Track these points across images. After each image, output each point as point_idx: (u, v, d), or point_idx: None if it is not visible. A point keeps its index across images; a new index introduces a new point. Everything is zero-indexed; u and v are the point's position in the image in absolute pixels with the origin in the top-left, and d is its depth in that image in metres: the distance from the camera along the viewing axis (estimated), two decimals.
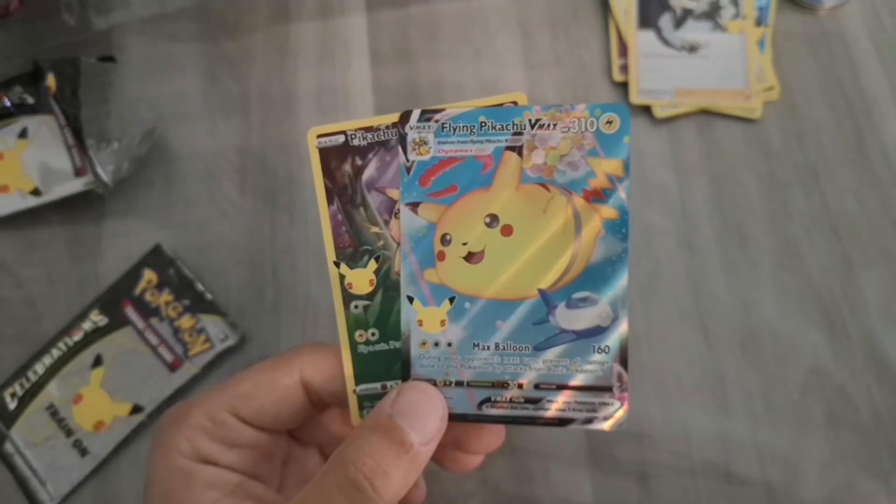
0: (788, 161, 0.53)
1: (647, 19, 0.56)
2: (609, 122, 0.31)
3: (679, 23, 0.56)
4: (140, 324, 0.50)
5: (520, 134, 0.32)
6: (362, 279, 0.33)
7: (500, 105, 0.32)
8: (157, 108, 0.56)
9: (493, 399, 0.32)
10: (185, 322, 0.50)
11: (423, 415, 0.30)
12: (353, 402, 0.33)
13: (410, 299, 0.32)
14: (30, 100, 0.53)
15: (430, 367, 0.32)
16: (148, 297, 0.50)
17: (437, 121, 0.32)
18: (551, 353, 0.31)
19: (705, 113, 0.54)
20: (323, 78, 0.56)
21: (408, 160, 0.32)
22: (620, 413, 0.31)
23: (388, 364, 0.33)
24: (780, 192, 0.52)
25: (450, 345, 0.32)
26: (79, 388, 0.49)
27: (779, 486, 0.46)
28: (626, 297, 0.31)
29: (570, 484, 0.47)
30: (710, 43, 0.55)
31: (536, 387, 0.32)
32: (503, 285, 0.32)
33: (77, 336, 0.50)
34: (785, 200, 0.52)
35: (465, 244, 0.32)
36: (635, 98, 0.54)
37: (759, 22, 0.56)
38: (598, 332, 0.31)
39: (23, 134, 0.52)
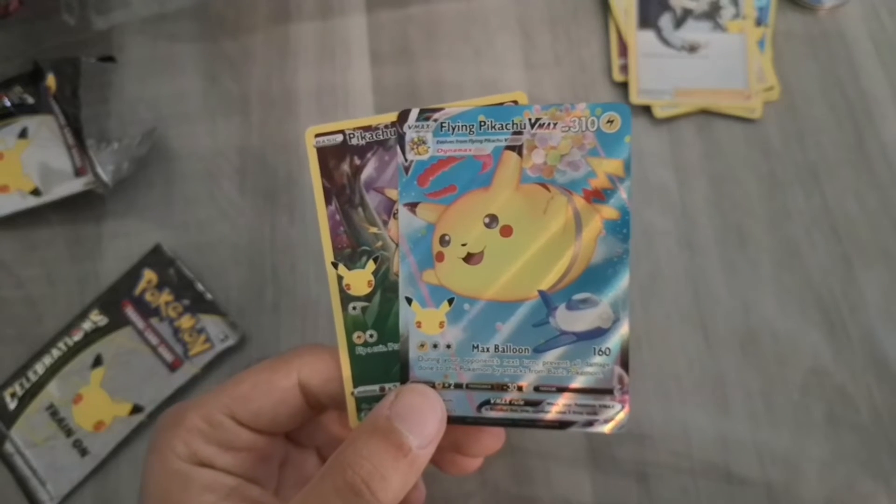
0: (788, 161, 0.53)
1: (647, 19, 0.56)
2: (610, 122, 0.31)
3: (679, 23, 0.56)
4: (140, 324, 0.50)
5: (519, 133, 0.32)
6: (360, 280, 0.33)
7: (500, 104, 0.32)
8: (157, 108, 0.56)
9: (492, 401, 0.32)
10: (185, 322, 0.50)
11: (421, 418, 0.30)
12: (351, 405, 0.33)
13: (409, 300, 0.32)
14: (30, 100, 0.53)
15: (429, 370, 0.32)
16: (148, 297, 0.50)
17: (435, 120, 0.32)
18: (551, 355, 0.31)
19: (705, 113, 0.54)
20: (323, 78, 0.56)
21: (406, 160, 0.32)
22: (621, 416, 0.31)
23: (386, 366, 0.33)
24: (780, 192, 0.52)
25: (449, 346, 0.32)
26: (79, 388, 0.49)
27: (779, 486, 0.46)
28: (628, 298, 0.31)
29: (570, 484, 0.47)
30: (710, 43, 0.55)
31: (536, 389, 0.31)
32: (503, 286, 0.32)
33: (77, 336, 0.50)
34: (785, 200, 0.52)
35: (464, 245, 0.32)
36: (635, 98, 0.54)
37: (759, 22, 0.56)
38: (598, 333, 0.31)
39: (23, 134, 0.52)
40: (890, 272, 0.50)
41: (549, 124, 0.31)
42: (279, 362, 0.34)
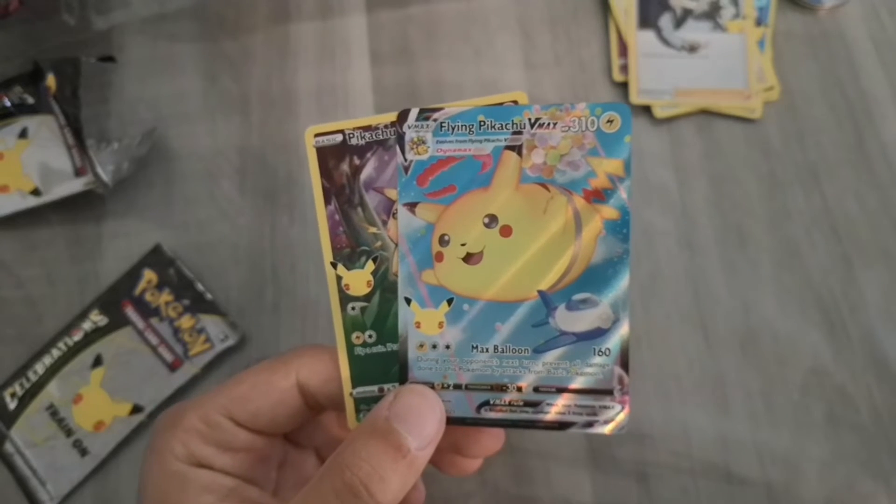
0: (788, 161, 0.53)
1: (647, 19, 0.56)
2: (610, 121, 0.31)
3: (679, 23, 0.56)
4: (140, 324, 0.50)
5: (519, 133, 0.32)
6: (359, 280, 0.33)
7: (500, 104, 0.32)
8: (157, 108, 0.56)
9: (491, 402, 0.32)
10: (185, 322, 0.50)
11: (420, 418, 0.30)
12: (349, 406, 0.33)
13: (408, 301, 0.32)
14: (30, 100, 0.53)
15: (428, 370, 0.32)
16: (148, 297, 0.50)
17: (435, 120, 0.32)
18: (551, 356, 0.31)
19: (705, 113, 0.54)
20: (323, 78, 0.56)
21: (406, 159, 0.32)
22: (621, 416, 0.31)
23: (385, 366, 0.33)
24: (780, 192, 0.52)
25: (448, 347, 0.32)
26: (79, 388, 0.49)
27: (779, 486, 0.46)
28: (628, 298, 0.31)
29: (570, 484, 0.47)
30: (710, 43, 0.55)
31: (536, 390, 0.31)
32: (502, 287, 0.32)
33: (77, 336, 0.50)
34: (785, 200, 0.52)
35: (463, 245, 0.32)
36: (635, 98, 0.54)
37: (759, 22, 0.56)
38: (598, 334, 0.31)
39: (23, 134, 0.52)
40: (890, 272, 0.50)
41: (548, 124, 0.31)
42: (278, 363, 0.34)
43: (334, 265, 0.33)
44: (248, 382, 0.33)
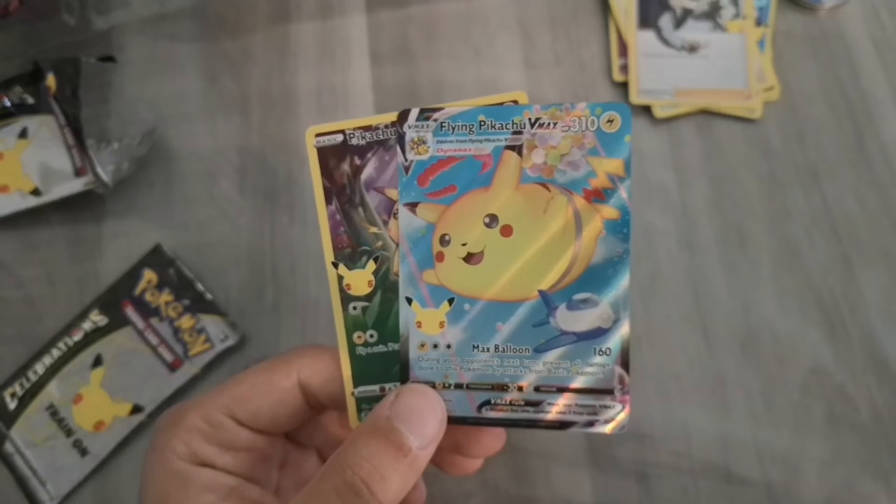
0: (788, 161, 0.53)
1: (647, 19, 0.56)
2: (610, 121, 0.31)
3: (679, 23, 0.56)
4: (140, 324, 0.50)
5: (519, 133, 0.32)
6: (361, 280, 0.33)
7: (500, 104, 0.32)
8: (157, 108, 0.56)
9: (492, 402, 0.32)
10: (185, 322, 0.50)
11: (421, 418, 0.30)
12: (351, 405, 0.33)
13: (409, 300, 0.32)
14: (30, 100, 0.53)
15: (429, 370, 0.32)
16: (148, 297, 0.50)
17: (435, 120, 0.32)
18: (552, 355, 0.31)
19: (705, 113, 0.54)
20: (323, 78, 0.56)
21: (406, 159, 0.32)
22: (622, 416, 0.31)
23: (386, 366, 0.33)
24: (780, 192, 0.52)
25: (449, 347, 0.32)
26: (79, 388, 0.49)
27: (779, 486, 0.46)
28: (628, 298, 0.31)
29: (570, 484, 0.47)
30: (710, 43, 0.55)
31: (537, 389, 0.31)
32: (503, 286, 0.32)
33: (77, 336, 0.50)
34: (785, 200, 0.52)
35: (464, 245, 0.32)
36: (635, 98, 0.54)
37: (759, 22, 0.56)
38: (599, 333, 0.31)
39: (23, 134, 0.52)
40: (890, 272, 0.50)
41: (549, 124, 0.31)
42: (279, 362, 0.34)
43: (335, 265, 0.33)
44: (249, 382, 0.33)
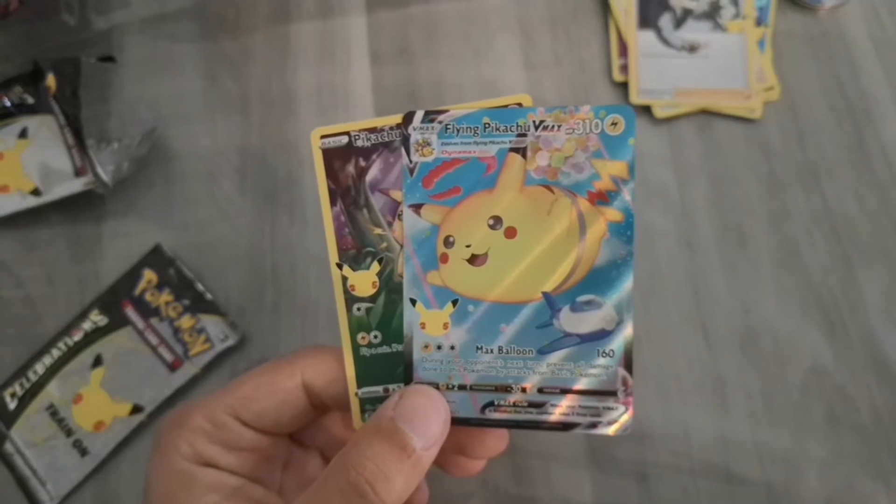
0: (788, 161, 0.53)
1: (647, 19, 0.56)
2: (614, 124, 0.31)
3: (679, 23, 0.56)
4: (140, 324, 0.50)
5: (524, 135, 0.32)
6: (365, 281, 0.33)
7: (505, 106, 0.32)
8: (157, 108, 0.56)
9: (496, 403, 0.32)
10: (185, 322, 0.50)
11: (425, 419, 0.30)
12: (354, 406, 0.33)
13: (413, 302, 0.32)
14: (30, 100, 0.53)
15: (433, 371, 0.32)
16: (148, 297, 0.50)
17: (440, 122, 0.32)
18: (555, 357, 0.31)
19: (705, 113, 0.54)
20: (323, 78, 0.56)
21: (411, 161, 0.32)
22: (625, 418, 0.31)
23: (390, 367, 0.33)
24: (780, 192, 0.52)
25: (453, 348, 0.32)
26: (79, 388, 0.49)
27: (779, 486, 0.46)
28: (631, 300, 0.31)
29: (570, 484, 0.47)
30: (710, 43, 0.55)
31: (540, 391, 0.31)
32: (507, 288, 0.32)
33: (77, 336, 0.49)
34: (785, 200, 0.52)
35: (468, 246, 0.32)
36: (635, 98, 0.54)
37: (759, 22, 0.56)
38: (602, 335, 0.31)
39: (23, 134, 0.52)
40: (890, 272, 0.50)
41: (553, 126, 0.32)
42: (283, 363, 0.34)
43: (340, 266, 0.33)
44: (253, 382, 0.34)
